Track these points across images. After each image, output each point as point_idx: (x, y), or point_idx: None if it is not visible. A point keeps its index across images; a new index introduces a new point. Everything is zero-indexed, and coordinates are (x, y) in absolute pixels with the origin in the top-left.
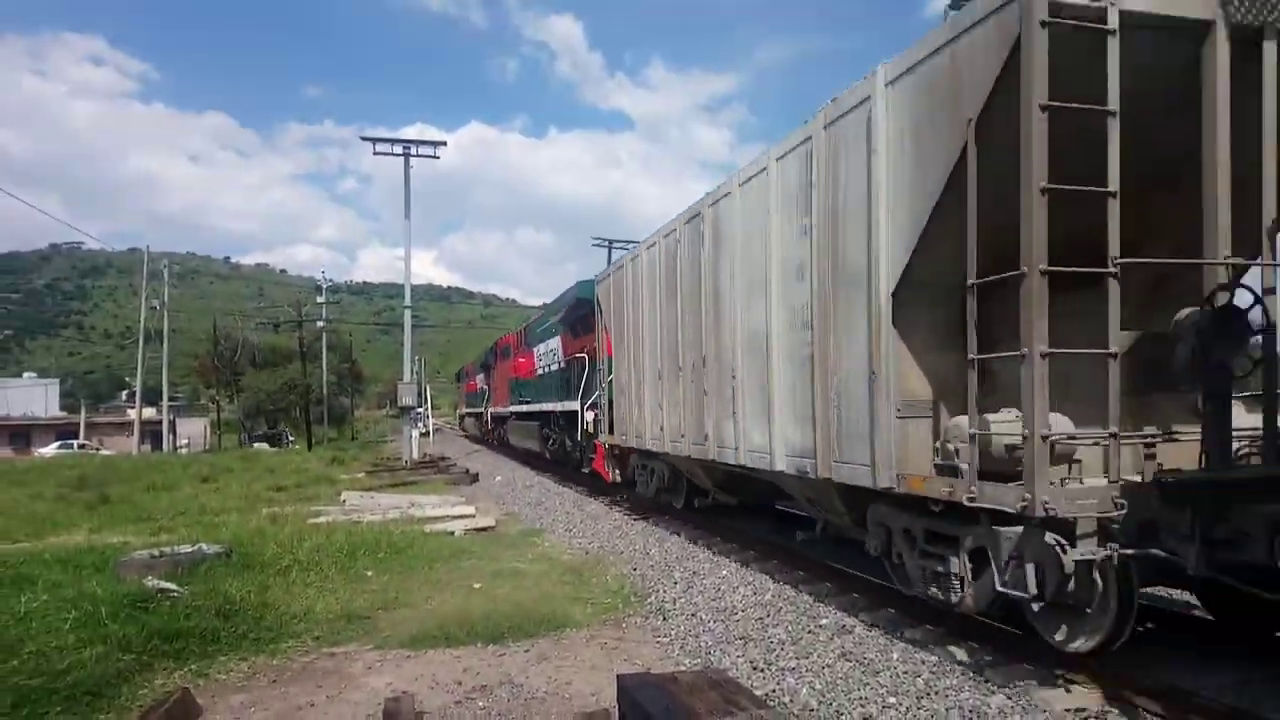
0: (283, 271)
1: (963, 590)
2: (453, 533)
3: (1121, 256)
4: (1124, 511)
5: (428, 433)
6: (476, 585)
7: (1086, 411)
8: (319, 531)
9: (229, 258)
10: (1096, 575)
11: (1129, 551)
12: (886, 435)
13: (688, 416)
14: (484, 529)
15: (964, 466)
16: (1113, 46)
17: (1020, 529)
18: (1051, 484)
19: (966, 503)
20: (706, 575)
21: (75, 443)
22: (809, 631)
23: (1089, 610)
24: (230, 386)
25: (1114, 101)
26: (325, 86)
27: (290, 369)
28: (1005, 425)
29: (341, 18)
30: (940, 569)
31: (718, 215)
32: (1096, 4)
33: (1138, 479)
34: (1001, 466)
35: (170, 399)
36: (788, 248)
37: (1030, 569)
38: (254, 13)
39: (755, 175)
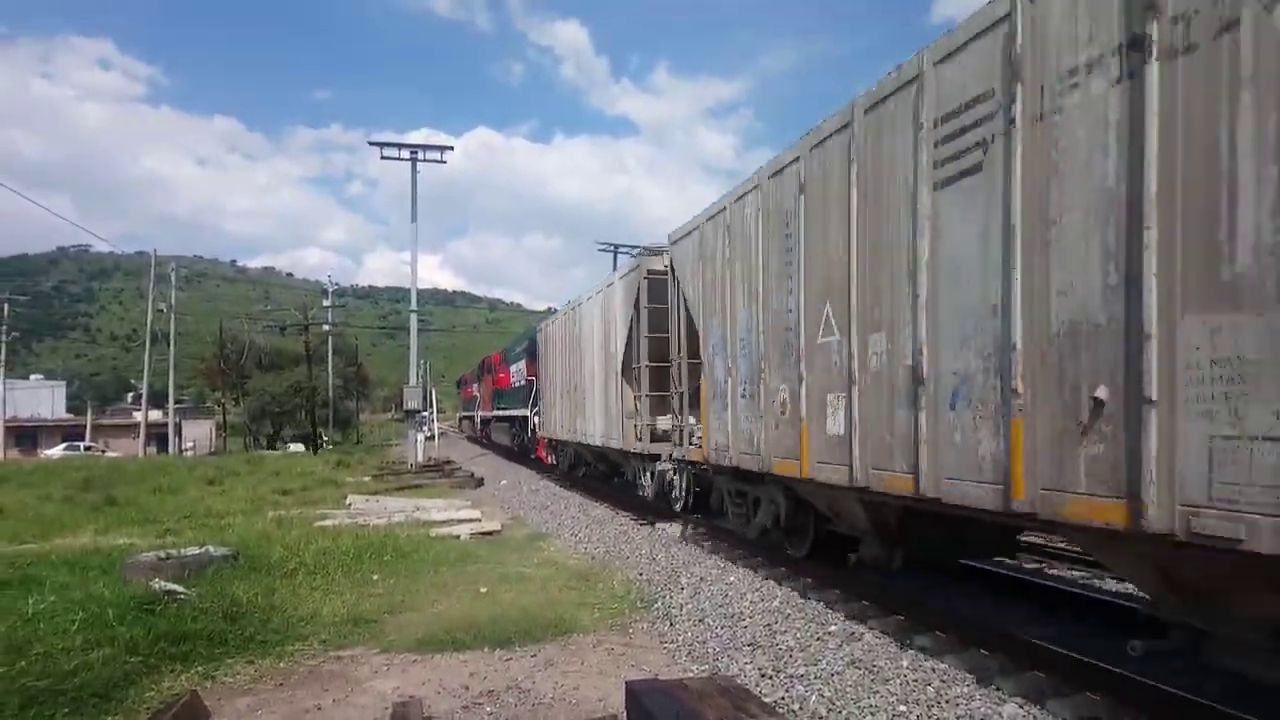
0: (289, 275)
1: (647, 490)
2: (458, 537)
3: (680, 357)
4: (681, 454)
5: (433, 436)
6: (483, 590)
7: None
8: (325, 535)
9: (235, 261)
10: (677, 478)
11: (679, 466)
12: (621, 426)
13: (571, 418)
14: (490, 533)
15: (642, 438)
16: (672, 285)
17: (656, 463)
18: (653, 442)
19: (636, 451)
20: (713, 581)
21: (81, 444)
22: (817, 638)
23: (680, 494)
24: (236, 389)
25: (671, 303)
26: (332, 90)
27: (296, 372)
28: (661, 421)
29: (347, 22)
30: (643, 483)
31: (580, 313)
32: (664, 271)
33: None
34: (660, 438)
35: (176, 401)
36: (598, 337)
37: (658, 477)
38: (261, 17)
39: (592, 297)
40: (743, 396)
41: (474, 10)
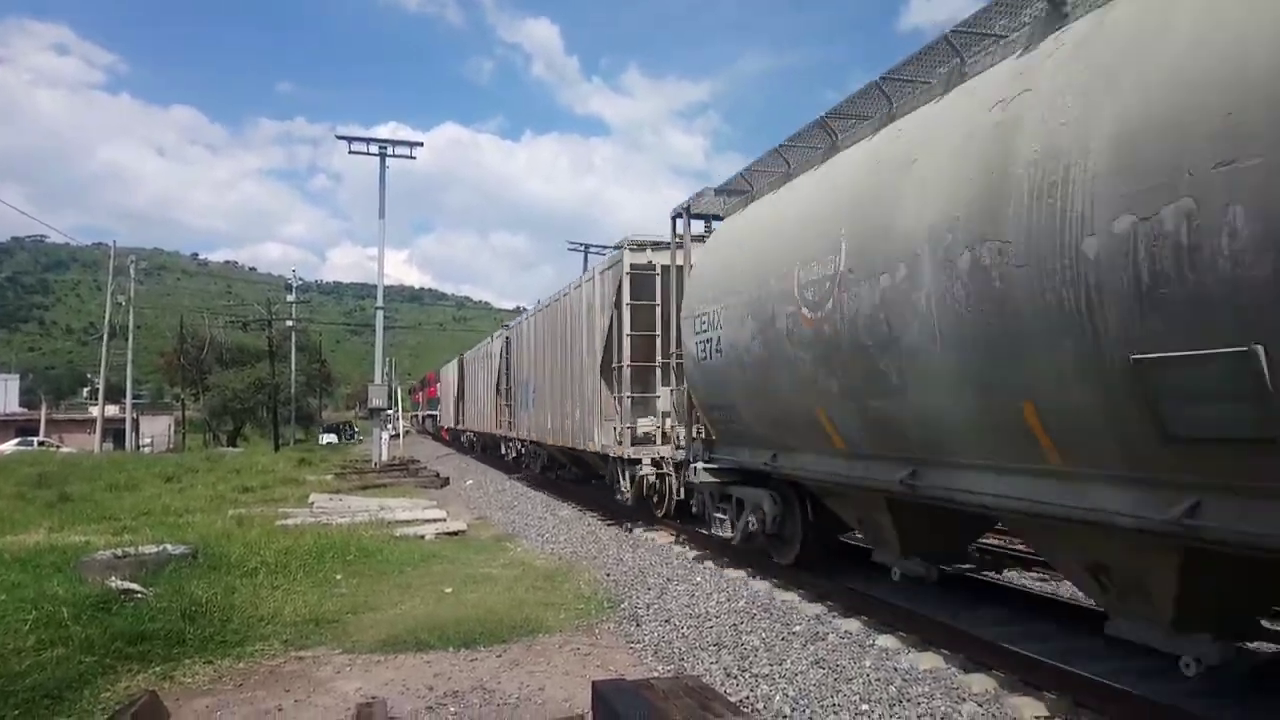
0: (252, 269)
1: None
2: (423, 537)
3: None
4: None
5: (397, 435)
6: (448, 590)
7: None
8: (287, 534)
9: (197, 254)
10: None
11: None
12: (457, 417)
13: (447, 413)
14: (455, 533)
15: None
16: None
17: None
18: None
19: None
20: (680, 581)
21: (35, 440)
22: (782, 638)
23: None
24: (196, 385)
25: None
26: (296, 82)
27: (258, 368)
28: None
29: (314, 14)
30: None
31: (449, 368)
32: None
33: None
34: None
35: (134, 397)
36: (451, 381)
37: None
38: (224, 4)
39: (453, 361)
40: None
41: (443, 4)
